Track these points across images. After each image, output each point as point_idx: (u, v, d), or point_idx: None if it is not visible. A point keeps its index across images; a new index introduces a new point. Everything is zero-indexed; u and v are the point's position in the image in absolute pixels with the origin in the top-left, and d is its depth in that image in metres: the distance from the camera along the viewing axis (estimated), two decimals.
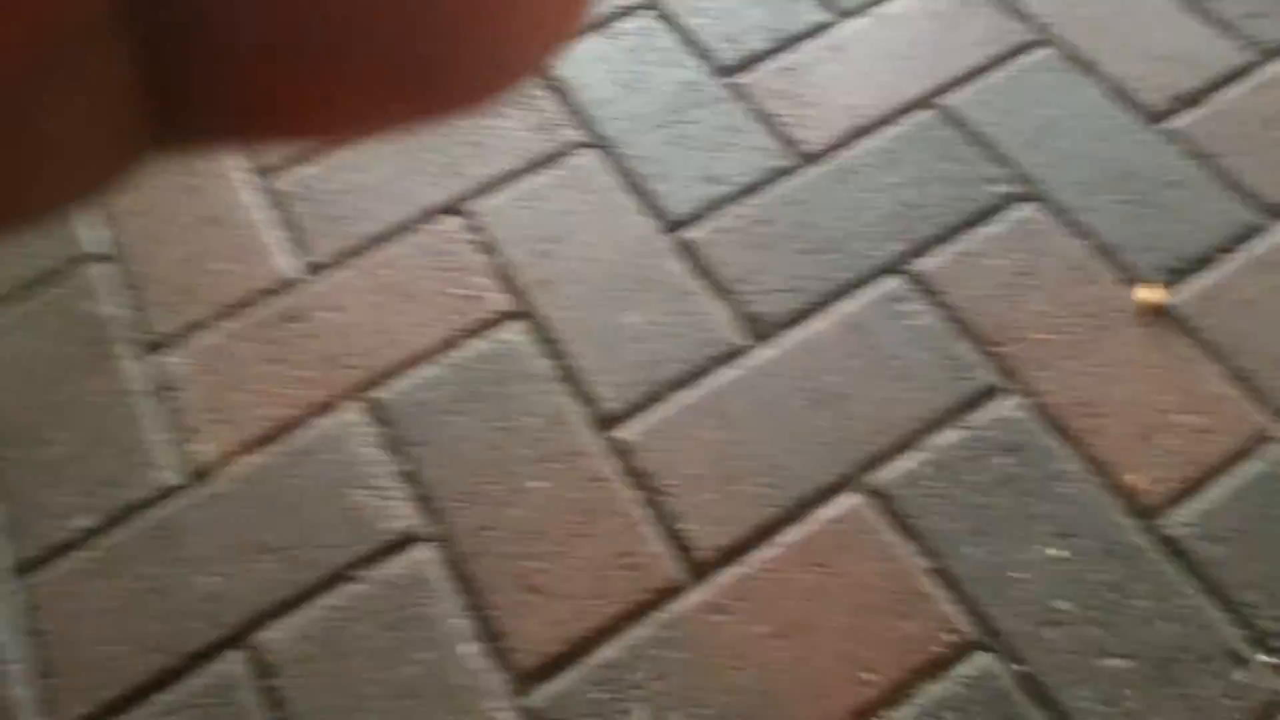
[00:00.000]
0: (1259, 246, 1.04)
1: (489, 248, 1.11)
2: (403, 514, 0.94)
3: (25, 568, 0.93)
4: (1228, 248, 1.04)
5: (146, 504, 0.96)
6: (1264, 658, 0.83)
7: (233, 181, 1.17)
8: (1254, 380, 0.96)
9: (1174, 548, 0.88)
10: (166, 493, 0.96)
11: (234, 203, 1.16)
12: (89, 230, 1.14)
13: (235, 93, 0.11)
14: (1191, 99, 1.15)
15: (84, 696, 0.86)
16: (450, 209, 1.14)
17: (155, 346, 1.06)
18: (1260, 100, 1.14)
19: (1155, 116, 1.14)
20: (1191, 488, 0.91)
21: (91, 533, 0.94)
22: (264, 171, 1.18)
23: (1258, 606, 0.85)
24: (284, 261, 1.11)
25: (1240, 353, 0.97)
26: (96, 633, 0.89)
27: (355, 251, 1.11)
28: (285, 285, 1.09)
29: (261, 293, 1.09)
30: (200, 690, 0.86)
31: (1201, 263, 1.03)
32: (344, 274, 1.10)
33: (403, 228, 1.13)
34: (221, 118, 0.11)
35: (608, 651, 0.87)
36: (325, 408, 1.00)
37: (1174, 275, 1.03)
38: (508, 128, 1.20)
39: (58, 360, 1.05)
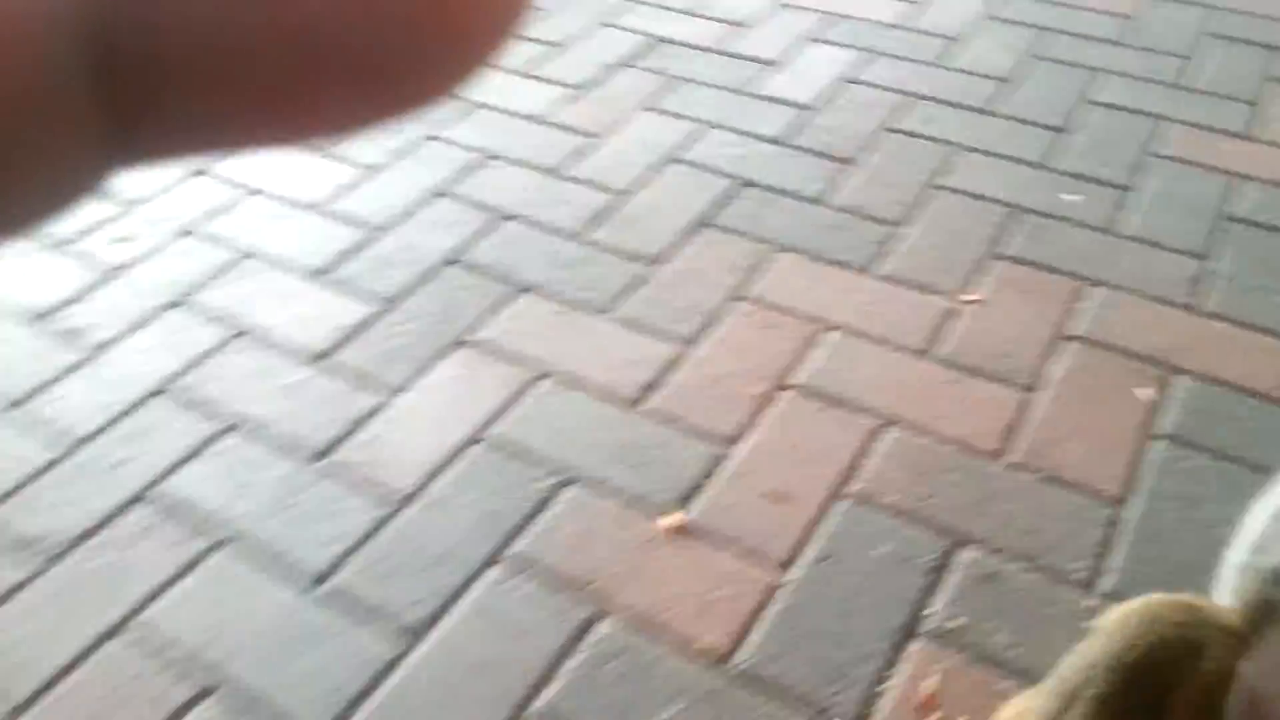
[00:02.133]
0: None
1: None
2: None
3: None
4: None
5: None
6: None
7: None
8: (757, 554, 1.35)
9: (749, 678, 1.20)
10: None
11: None
12: None
13: (201, 103, 0.11)
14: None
15: None
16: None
17: None
18: None
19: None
20: (743, 634, 1.25)
21: None
22: None
23: (814, 688, 1.18)
24: None
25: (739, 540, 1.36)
26: None
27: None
28: None
29: None
30: None
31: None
32: None
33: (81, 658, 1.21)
34: (186, 128, 0.11)
35: None
36: None
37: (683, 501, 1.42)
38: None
39: None
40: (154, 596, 1.32)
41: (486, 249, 1.86)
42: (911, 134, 2.16)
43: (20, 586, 1.32)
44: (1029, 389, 1.55)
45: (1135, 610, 0.86)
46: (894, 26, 2.52)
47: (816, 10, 2.58)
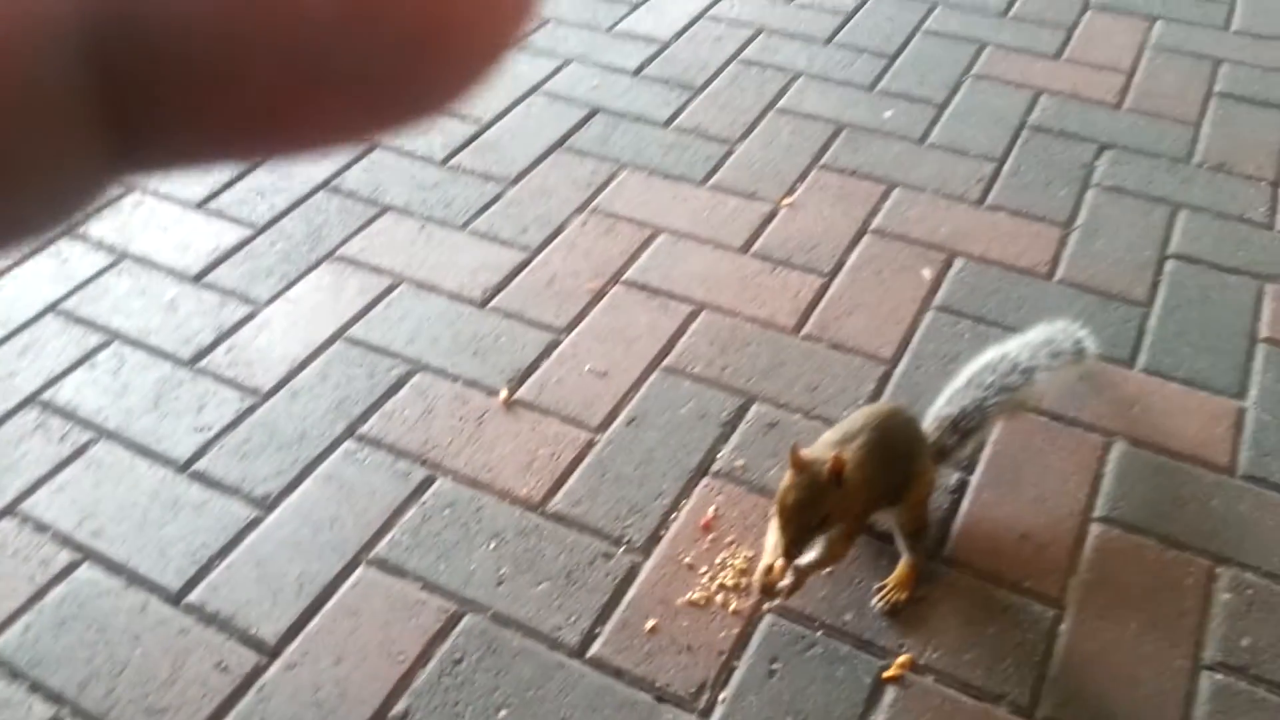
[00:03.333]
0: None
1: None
2: None
3: None
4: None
5: None
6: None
7: None
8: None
9: (559, 517, 1.36)
10: None
11: None
12: None
13: (202, 113, 0.11)
14: None
15: None
16: None
17: None
18: None
19: None
20: (559, 484, 1.41)
21: None
22: None
23: (615, 521, 1.35)
24: None
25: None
26: None
27: None
28: None
29: None
30: None
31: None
32: None
33: None
34: (188, 137, 0.11)
35: None
36: None
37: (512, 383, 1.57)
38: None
39: None
40: (37, 486, 1.45)
41: (355, 175, 1.99)
42: (758, 64, 2.31)
43: None
44: (829, 276, 1.72)
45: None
46: None
47: None
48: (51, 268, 1.81)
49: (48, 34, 0.09)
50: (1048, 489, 1.37)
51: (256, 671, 1.21)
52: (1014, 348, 1.35)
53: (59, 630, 1.27)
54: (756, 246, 1.79)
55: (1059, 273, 1.70)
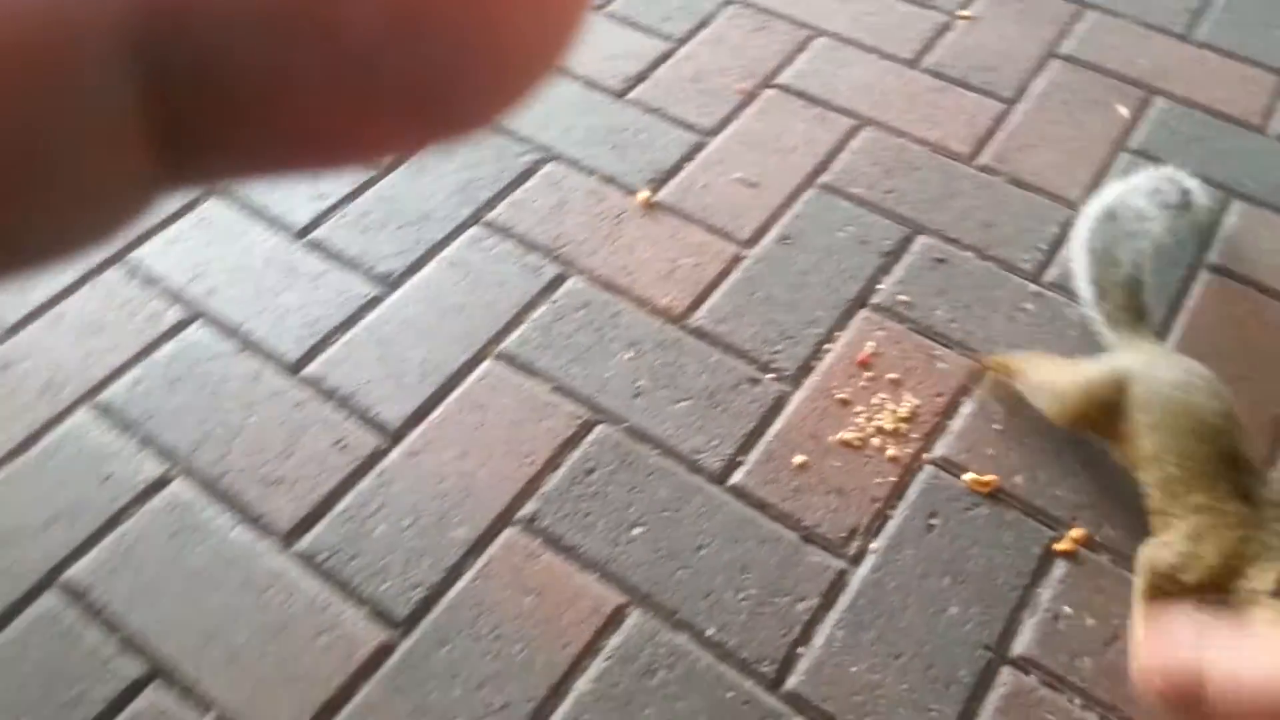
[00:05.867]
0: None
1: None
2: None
3: None
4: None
5: None
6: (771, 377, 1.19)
7: None
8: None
9: (702, 333, 1.23)
10: None
11: None
12: None
13: (252, 125, 0.10)
14: None
15: None
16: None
17: None
18: None
19: None
20: (702, 298, 1.27)
21: None
22: None
23: (762, 344, 1.21)
24: None
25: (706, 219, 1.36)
26: None
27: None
28: None
29: None
30: None
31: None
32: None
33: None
34: (239, 150, 0.11)
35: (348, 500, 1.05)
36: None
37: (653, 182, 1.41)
38: None
39: None
40: (146, 238, 1.33)
41: None
42: None
43: None
44: (1010, 102, 1.50)
45: None
46: None
47: None
48: None
49: (94, 43, 0.09)
50: None
51: (377, 455, 1.12)
52: (1121, 196, 1.18)
53: (170, 388, 1.18)
54: (927, 60, 1.57)
55: (1272, 125, 1.47)
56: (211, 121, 0.10)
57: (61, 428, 1.14)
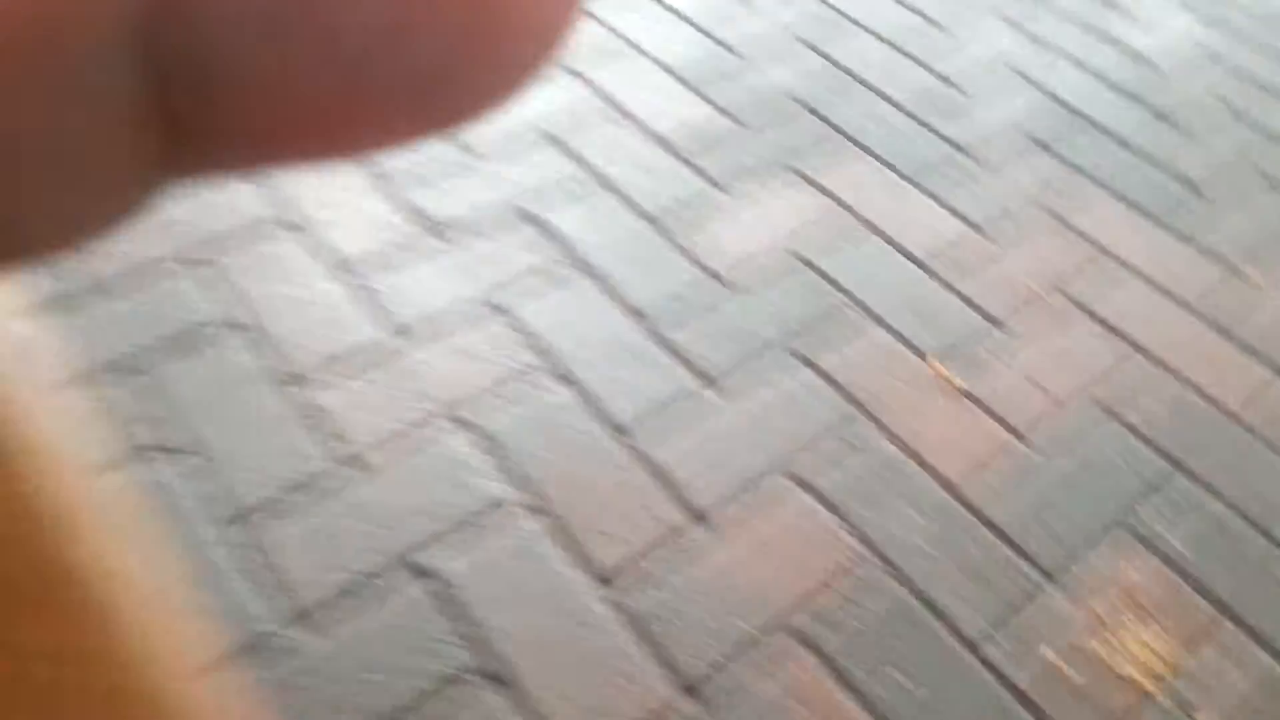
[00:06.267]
0: None
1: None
2: None
3: None
4: None
5: None
6: None
7: None
8: None
9: (974, 510, 1.37)
10: None
11: None
12: None
13: (254, 117, 0.10)
14: None
15: None
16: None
17: None
18: None
19: None
20: (980, 478, 1.41)
21: None
22: None
23: (1032, 535, 1.34)
24: None
25: None
26: None
27: None
28: None
29: None
30: None
31: None
32: None
33: None
34: (240, 142, 0.11)
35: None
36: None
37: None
38: None
39: None
40: (528, 294, 1.54)
41: (832, 106, 1.98)
42: (1242, 109, 2.13)
43: (430, 252, 1.60)
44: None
45: None
46: None
47: None
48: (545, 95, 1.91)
49: (96, 32, 0.09)
50: None
51: (680, 530, 1.29)
52: None
53: (521, 425, 1.38)
54: (1220, 316, 1.69)
55: None
56: (216, 108, 0.10)
57: (426, 433, 1.35)
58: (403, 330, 1.47)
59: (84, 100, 0.09)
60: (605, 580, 1.24)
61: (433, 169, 1.71)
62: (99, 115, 0.09)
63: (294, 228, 1.58)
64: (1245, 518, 1.41)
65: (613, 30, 2.05)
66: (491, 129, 1.78)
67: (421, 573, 1.22)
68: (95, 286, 1.45)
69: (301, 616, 1.16)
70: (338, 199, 1.64)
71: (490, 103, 0.11)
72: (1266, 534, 1.39)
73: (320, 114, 0.10)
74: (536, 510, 1.29)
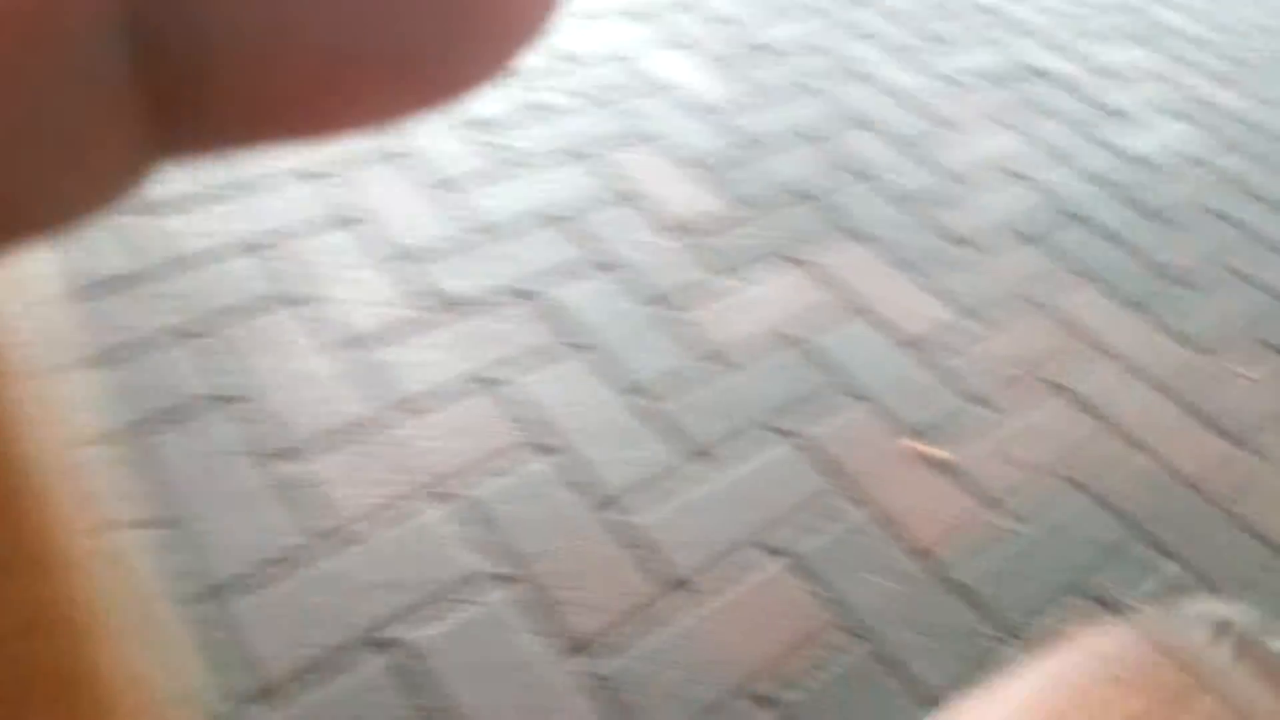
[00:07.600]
0: None
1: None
2: None
3: None
4: None
5: None
6: None
7: None
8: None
9: (946, 580, 1.40)
10: None
11: None
12: None
13: (246, 95, 0.10)
14: None
15: None
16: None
17: None
18: None
19: None
20: (950, 550, 1.44)
21: None
22: None
23: (1008, 605, 1.37)
24: None
25: None
26: None
27: None
28: None
29: None
30: None
31: None
32: None
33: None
34: (231, 119, 0.11)
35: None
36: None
37: None
38: None
39: None
40: (525, 369, 1.63)
41: (845, 195, 2.08)
42: (1229, 215, 2.19)
43: (432, 328, 1.70)
44: (1257, 454, 1.63)
45: None
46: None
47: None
48: (534, 179, 2.03)
49: (88, 11, 0.09)
50: None
51: (657, 598, 1.34)
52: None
53: (511, 498, 1.45)
54: (1188, 395, 1.72)
55: None
56: (208, 86, 0.10)
57: (410, 505, 1.42)
58: (397, 404, 1.54)
59: (77, 80, 0.09)
60: (578, 649, 1.27)
61: (442, 246, 1.82)
62: (92, 95, 0.09)
63: (294, 302, 1.66)
64: (1202, 581, 1.43)
65: (626, 113, 2.19)
66: (502, 211, 1.90)
67: (390, 646, 1.23)
68: (95, 357, 1.48)
69: (264, 693, 1.15)
70: (339, 275, 1.74)
71: (481, 77, 0.11)
72: (1219, 595, 1.40)
73: (310, 90, 0.10)
74: (511, 580, 1.33)
